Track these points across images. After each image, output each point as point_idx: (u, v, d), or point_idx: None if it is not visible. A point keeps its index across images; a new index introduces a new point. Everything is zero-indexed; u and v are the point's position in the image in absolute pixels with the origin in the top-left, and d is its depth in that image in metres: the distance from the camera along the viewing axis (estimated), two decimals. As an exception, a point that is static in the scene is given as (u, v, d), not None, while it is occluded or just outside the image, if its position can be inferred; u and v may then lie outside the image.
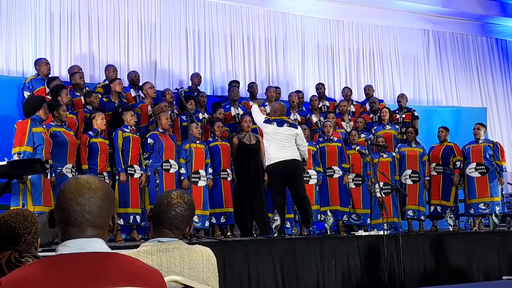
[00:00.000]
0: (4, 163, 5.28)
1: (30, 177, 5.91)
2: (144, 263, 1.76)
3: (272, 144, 7.13)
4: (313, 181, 7.98)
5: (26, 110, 6.29)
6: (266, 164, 7.28)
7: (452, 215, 7.89)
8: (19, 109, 7.11)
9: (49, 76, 7.46)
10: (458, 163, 8.42)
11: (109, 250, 1.66)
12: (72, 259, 1.59)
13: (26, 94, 7.18)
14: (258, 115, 7.46)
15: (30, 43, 8.56)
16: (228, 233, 7.51)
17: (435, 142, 8.77)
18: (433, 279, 7.00)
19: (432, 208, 8.49)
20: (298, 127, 7.38)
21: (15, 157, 5.90)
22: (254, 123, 8.15)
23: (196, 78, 9.00)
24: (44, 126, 6.25)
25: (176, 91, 7.81)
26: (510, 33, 13.28)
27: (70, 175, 6.41)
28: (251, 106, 8.04)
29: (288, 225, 7.45)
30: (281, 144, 7.07)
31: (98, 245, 1.63)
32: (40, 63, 7.50)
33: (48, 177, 6.17)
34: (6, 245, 2.46)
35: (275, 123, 7.17)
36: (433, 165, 8.50)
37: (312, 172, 7.99)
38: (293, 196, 7.28)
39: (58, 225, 1.67)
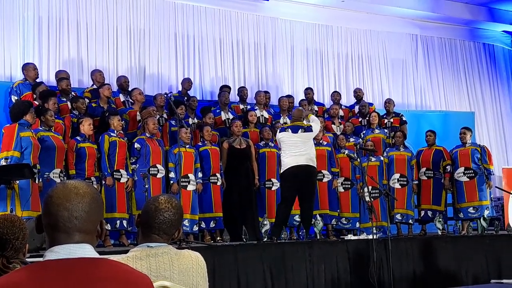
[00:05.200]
0: (-8, 168, 5.25)
1: (18, 182, 5.86)
2: (133, 268, 1.75)
3: (286, 151, 7.19)
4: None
5: (13, 115, 6.25)
6: (281, 171, 7.31)
7: (441, 219, 7.92)
8: (6, 113, 7.07)
9: (37, 80, 7.43)
10: (448, 167, 8.47)
11: (98, 256, 1.64)
12: (59, 265, 1.57)
13: (14, 98, 7.14)
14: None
15: (18, 47, 8.51)
16: (218, 238, 7.50)
17: (423, 146, 8.80)
18: (422, 283, 7.03)
19: (423, 212, 8.51)
20: (312, 126, 7.36)
21: (3, 162, 5.87)
22: (244, 127, 8.17)
23: (186, 83, 9.00)
24: (32, 131, 6.22)
25: (166, 95, 7.81)
26: (498, 38, 13.39)
27: (58, 180, 6.37)
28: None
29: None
30: (294, 151, 7.10)
31: (86, 250, 1.62)
32: (28, 68, 7.47)
33: (36, 182, 6.13)
34: (-6, 251, 2.44)
35: (289, 130, 7.26)
36: (423, 169, 8.52)
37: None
38: (299, 201, 7.26)
39: (46, 231, 1.65)
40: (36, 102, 6.88)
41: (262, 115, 8.83)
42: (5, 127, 6.17)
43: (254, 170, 7.87)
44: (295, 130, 7.23)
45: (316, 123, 7.51)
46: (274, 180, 7.99)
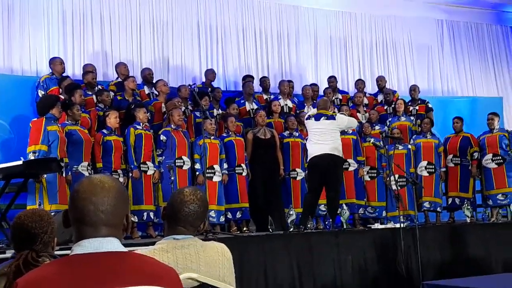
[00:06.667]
0: (20, 162, 5.32)
1: (45, 176, 5.94)
2: (159, 261, 1.76)
3: (310, 140, 7.24)
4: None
5: (40, 109, 6.33)
6: (307, 160, 7.39)
7: (469, 207, 7.83)
8: (33, 108, 7.16)
9: (63, 75, 7.51)
10: (475, 154, 8.35)
11: (124, 249, 1.66)
12: (87, 259, 1.60)
13: (41, 93, 7.23)
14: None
15: (43, 42, 8.60)
16: (244, 228, 7.51)
17: (450, 133, 8.69)
18: (450, 271, 6.93)
19: (450, 200, 8.42)
20: (336, 116, 7.36)
21: (31, 156, 5.95)
22: (268, 118, 8.17)
23: (210, 74, 9.00)
24: (59, 125, 6.29)
25: (190, 87, 7.83)
26: (526, 21, 13.12)
27: (86, 173, 6.44)
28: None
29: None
30: (316, 139, 7.12)
31: (112, 244, 1.64)
32: (54, 62, 7.54)
33: (64, 175, 6.21)
34: (23, 245, 2.48)
35: (313, 118, 7.27)
36: (450, 156, 8.42)
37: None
38: (325, 190, 7.26)
39: (73, 225, 1.68)
40: (62, 97, 6.95)
41: (286, 105, 8.79)
42: (32, 121, 6.25)
43: (279, 160, 7.86)
44: (317, 118, 7.22)
45: (345, 116, 7.50)
46: (298, 170, 7.96)
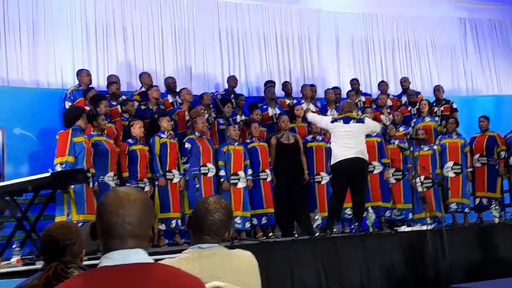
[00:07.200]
0: (48, 174, 5.41)
1: (73, 186, 6.03)
2: (184, 271, 1.78)
3: (337, 143, 7.11)
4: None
5: (66, 121, 6.43)
6: (331, 163, 7.28)
7: (497, 207, 7.72)
8: (60, 120, 7.26)
9: (88, 86, 7.61)
10: (502, 153, 8.25)
11: (151, 261, 1.69)
12: (115, 271, 1.63)
13: (68, 104, 7.33)
14: (322, 119, 7.53)
15: (68, 55, 8.71)
16: (270, 234, 7.51)
17: (476, 133, 8.59)
18: (479, 273, 6.83)
19: (478, 200, 8.32)
20: (365, 119, 7.33)
21: (58, 168, 6.04)
22: (292, 122, 8.16)
23: (232, 80, 9.04)
24: (85, 136, 6.38)
25: (212, 94, 7.88)
26: (551, 16, 12.90)
27: (112, 183, 6.52)
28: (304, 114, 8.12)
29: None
30: (344, 142, 7.01)
31: (139, 256, 1.67)
32: (81, 74, 7.65)
33: (91, 185, 6.29)
34: (53, 257, 2.53)
35: (341, 121, 7.18)
36: (477, 156, 8.33)
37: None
38: (351, 194, 7.21)
39: (100, 238, 1.71)
40: (88, 108, 7.05)
41: (309, 109, 8.77)
42: (59, 133, 6.34)
43: (303, 165, 7.85)
44: (346, 121, 7.16)
45: (371, 120, 7.46)
46: (323, 174, 7.94)
